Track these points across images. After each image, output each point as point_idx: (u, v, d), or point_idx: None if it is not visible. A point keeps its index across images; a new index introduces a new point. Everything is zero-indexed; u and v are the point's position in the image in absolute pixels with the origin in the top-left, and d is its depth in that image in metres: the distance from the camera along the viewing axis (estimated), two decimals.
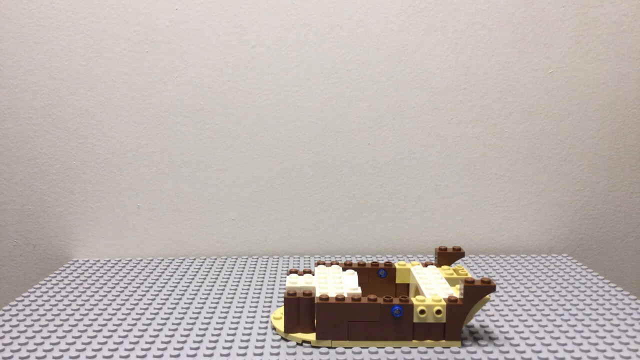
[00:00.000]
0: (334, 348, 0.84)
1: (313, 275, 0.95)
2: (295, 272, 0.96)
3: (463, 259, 1.26)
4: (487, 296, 0.84)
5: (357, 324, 0.84)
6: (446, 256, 0.99)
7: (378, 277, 0.99)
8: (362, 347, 0.84)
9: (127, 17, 1.22)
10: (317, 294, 0.86)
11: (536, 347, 0.83)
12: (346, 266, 0.99)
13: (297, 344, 0.86)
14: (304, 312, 0.87)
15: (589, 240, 1.34)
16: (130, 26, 1.22)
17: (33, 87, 1.23)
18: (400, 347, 0.84)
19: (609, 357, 0.80)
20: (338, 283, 0.91)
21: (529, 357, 0.80)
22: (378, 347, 0.84)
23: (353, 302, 0.84)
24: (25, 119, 1.24)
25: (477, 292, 0.82)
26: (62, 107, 1.24)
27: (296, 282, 0.90)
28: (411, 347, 0.84)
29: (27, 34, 1.21)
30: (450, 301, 0.83)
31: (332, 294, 0.87)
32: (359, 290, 0.88)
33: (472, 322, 0.92)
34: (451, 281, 0.92)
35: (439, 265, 0.98)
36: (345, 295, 0.86)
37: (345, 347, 0.85)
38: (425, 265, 0.99)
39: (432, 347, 0.84)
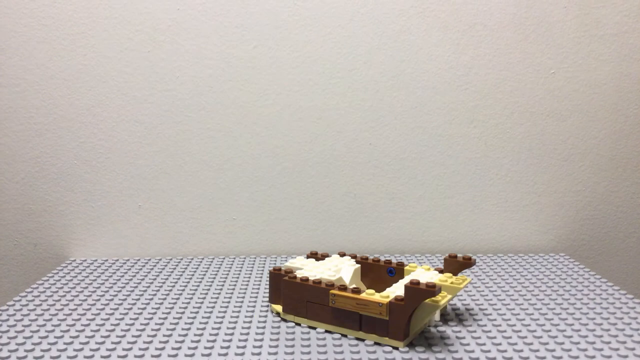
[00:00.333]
0: (307, 327, 0.91)
1: (321, 260, 1.03)
2: (315, 254, 1.05)
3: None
4: (440, 302, 0.84)
5: (314, 305, 0.91)
6: (454, 264, 0.97)
7: (388, 275, 1.00)
8: (320, 329, 0.90)
9: (129, 16, 1.22)
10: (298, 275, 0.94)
11: (534, 346, 0.82)
12: (362, 260, 1.03)
13: (275, 313, 0.96)
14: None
15: (590, 241, 1.34)
16: (132, 26, 1.22)
17: (34, 86, 1.23)
18: (347, 335, 0.88)
19: (606, 356, 0.79)
20: (329, 270, 0.96)
21: (526, 356, 0.79)
22: (333, 331, 0.90)
23: (311, 285, 0.90)
24: (27, 118, 1.24)
25: (417, 294, 0.81)
26: (64, 106, 1.24)
27: (295, 262, 1.00)
28: (358, 338, 0.87)
29: (29, 33, 1.22)
30: (396, 300, 0.83)
31: (313, 276, 0.94)
32: (335, 277, 0.93)
33: (470, 322, 0.92)
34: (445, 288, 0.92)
35: (444, 272, 0.97)
36: (318, 279, 0.91)
37: (306, 325, 0.92)
38: (433, 270, 0.98)
39: (380, 342, 0.86)
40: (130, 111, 1.25)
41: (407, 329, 0.84)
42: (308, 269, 0.97)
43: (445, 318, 0.94)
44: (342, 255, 1.04)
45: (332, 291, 0.88)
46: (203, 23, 1.23)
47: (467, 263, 0.96)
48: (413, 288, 0.81)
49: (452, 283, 0.90)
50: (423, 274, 0.95)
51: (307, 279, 0.91)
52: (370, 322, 0.86)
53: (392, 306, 0.83)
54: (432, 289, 0.80)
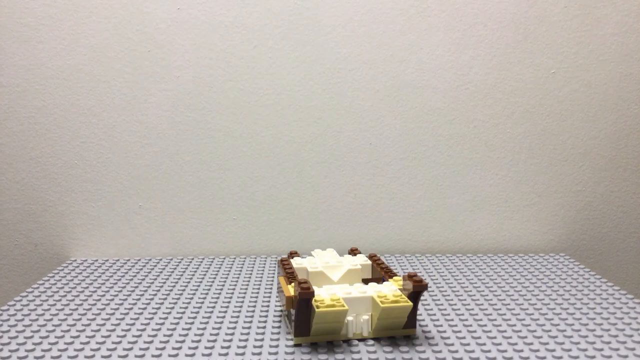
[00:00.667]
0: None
1: (342, 256, 1.10)
2: (355, 249, 1.06)
3: (463, 260, 1.26)
4: (319, 309, 0.82)
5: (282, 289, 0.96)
6: (407, 284, 0.88)
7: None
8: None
9: (129, 16, 1.22)
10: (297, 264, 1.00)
11: (534, 346, 0.82)
12: (376, 264, 1.01)
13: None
14: None
15: (591, 241, 1.34)
16: (132, 25, 1.22)
17: (35, 86, 1.23)
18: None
19: (607, 356, 0.79)
20: (323, 262, 0.99)
21: (527, 356, 0.79)
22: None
23: (284, 267, 0.96)
24: (27, 118, 1.24)
25: (296, 291, 0.83)
26: (64, 107, 1.24)
27: (314, 252, 1.04)
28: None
29: (29, 33, 1.22)
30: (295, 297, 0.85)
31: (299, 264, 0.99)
32: (315, 270, 0.96)
33: (470, 322, 0.92)
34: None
35: (402, 289, 0.90)
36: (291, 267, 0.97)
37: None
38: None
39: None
40: (130, 111, 1.25)
41: (301, 326, 0.85)
42: (309, 259, 1.00)
43: (445, 318, 0.94)
44: (371, 256, 1.02)
45: (279, 277, 0.95)
46: (203, 23, 1.23)
47: (417, 286, 0.85)
48: (295, 285, 0.84)
49: (382, 302, 0.84)
50: (385, 285, 0.91)
51: (287, 264, 0.97)
52: (291, 312, 0.89)
53: (291, 300, 0.86)
54: (304, 291, 0.81)
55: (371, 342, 0.86)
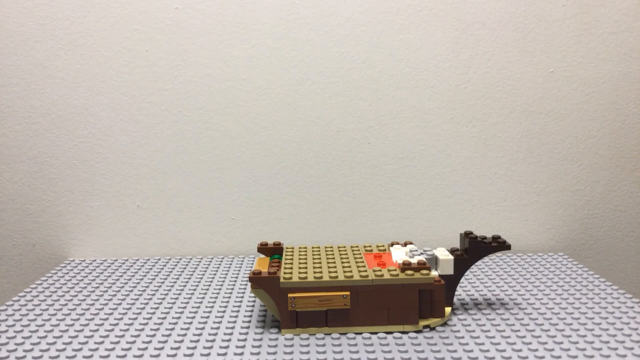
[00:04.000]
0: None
1: None
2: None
3: None
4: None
5: None
6: None
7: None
8: None
9: (127, 15, 1.22)
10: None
11: (532, 346, 0.82)
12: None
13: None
14: None
15: (589, 240, 1.34)
16: (130, 25, 1.22)
17: (33, 86, 1.23)
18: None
19: (605, 356, 0.79)
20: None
21: (525, 356, 0.79)
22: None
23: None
24: (25, 117, 1.24)
25: None
26: (62, 106, 1.24)
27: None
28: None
29: (27, 33, 1.21)
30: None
31: None
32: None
33: (469, 321, 0.92)
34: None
35: None
36: None
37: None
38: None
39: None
40: (128, 111, 1.25)
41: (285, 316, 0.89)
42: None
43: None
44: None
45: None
46: (201, 22, 1.22)
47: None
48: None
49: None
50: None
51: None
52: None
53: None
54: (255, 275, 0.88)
55: (367, 335, 0.87)
